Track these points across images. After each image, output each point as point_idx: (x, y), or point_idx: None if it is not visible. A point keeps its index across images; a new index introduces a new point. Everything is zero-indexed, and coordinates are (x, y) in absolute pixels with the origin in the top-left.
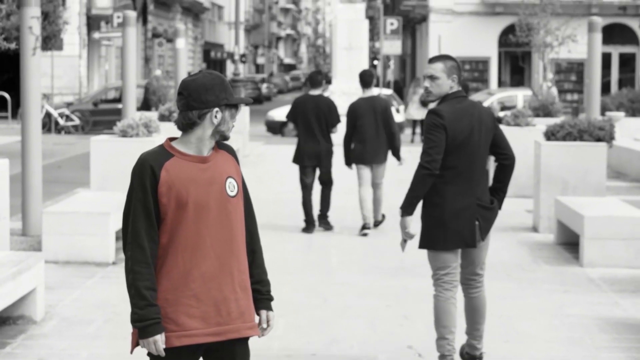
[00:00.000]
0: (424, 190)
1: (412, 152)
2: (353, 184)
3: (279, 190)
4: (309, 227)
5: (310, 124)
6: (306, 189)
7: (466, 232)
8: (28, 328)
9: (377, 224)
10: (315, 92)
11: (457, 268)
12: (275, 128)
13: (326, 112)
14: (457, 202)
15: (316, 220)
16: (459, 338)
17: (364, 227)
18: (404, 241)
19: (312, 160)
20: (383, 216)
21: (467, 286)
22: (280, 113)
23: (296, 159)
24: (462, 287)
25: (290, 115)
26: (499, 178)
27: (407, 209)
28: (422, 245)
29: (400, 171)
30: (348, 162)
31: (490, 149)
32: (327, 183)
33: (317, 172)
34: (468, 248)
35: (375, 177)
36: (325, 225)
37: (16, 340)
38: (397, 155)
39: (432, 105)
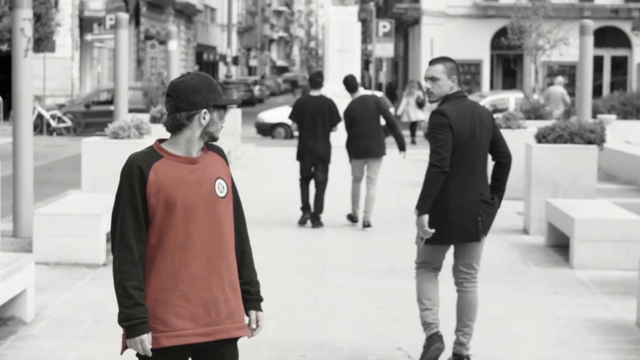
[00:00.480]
0: (437, 188)
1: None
2: (346, 186)
3: (271, 192)
4: (304, 213)
5: (312, 124)
6: (304, 180)
7: (470, 227)
8: (18, 329)
9: (365, 225)
10: (315, 92)
11: (442, 260)
12: (265, 130)
13: (327, 112)
14: (460, 197)
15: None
16: (449, 339)
17: (352, 218)
18: (421, 239)
19: (312, 158)
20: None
21: (463, 280)
22: (270, 115)
23: (299, 156)
24: (457, 283)
25: (293, 116)
26: (497, 176)
27: (422, 207)
28: (427, 240)
29: (392, 174)
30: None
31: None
32: (322, 183)
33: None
34: (472, 242)
35: (370, 172)
36: (317, 224)
37: (6, 342)
38: (401, 144)
39: (434, 106)
